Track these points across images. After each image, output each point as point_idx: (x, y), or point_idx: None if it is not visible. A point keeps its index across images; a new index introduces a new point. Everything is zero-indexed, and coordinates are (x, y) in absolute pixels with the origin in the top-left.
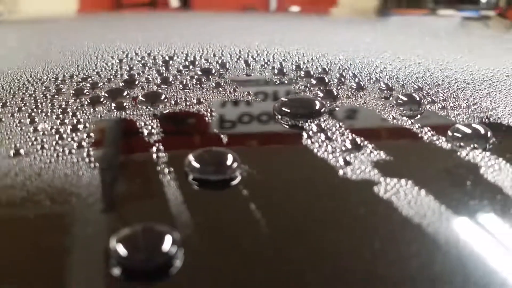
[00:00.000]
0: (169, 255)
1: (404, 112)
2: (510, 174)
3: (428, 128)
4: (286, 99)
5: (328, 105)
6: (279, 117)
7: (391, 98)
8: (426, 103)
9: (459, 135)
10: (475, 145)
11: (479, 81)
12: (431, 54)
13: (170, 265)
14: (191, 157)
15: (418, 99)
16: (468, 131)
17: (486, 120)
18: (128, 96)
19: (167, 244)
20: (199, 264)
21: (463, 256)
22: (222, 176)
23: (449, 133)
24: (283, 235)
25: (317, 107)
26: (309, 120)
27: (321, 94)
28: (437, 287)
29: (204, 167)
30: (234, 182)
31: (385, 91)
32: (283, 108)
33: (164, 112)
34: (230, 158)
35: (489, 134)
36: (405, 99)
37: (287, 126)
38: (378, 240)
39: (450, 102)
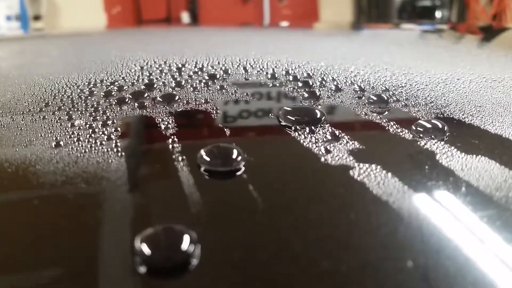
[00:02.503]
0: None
1: (374, 109)
2: (460, 160)
3: (394, 122)
4: (290, 108)
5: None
6: (284, 123)
7: (363, 98)
8: (392, 101)
9: (421, 129)
10: (434, 137)
11: (435, 83)
12: (396, 61)
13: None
14: (202, 152)
15: (385, 98)
16: (429, 125)
17: (441, 115)
18: (148, 97)
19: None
20: (212, 237)
21: (421, 226)
22: (228, 168)
23: (413, 127)
24: (277, 211)
25: (318, 116)
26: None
27: (306, 95)
28: (400, 251)
29: (213, 160)
30: (239, 173)
31: (359, 92)
32: (288, 117)
33: (178, 110)
34: (235, 153)
35: (445, 128)
36: (375, 98)
37: (279, 122)
38: (353, 213)
39: (411, 101)
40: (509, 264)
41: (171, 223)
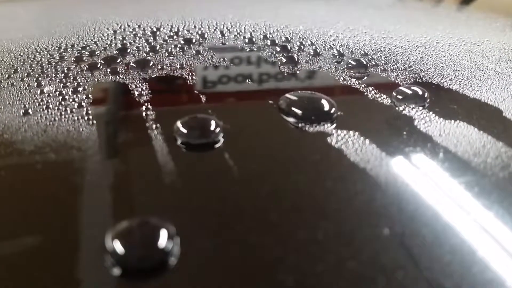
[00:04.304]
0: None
1: (353, 74)
2: (439, 126)
3: (372, 87)
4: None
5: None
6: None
7: (342, 62)
8: (371, 66)
9: (401, 96)
10: (415, 104)
11: (414, 47)
12: (375, 25)
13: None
14: (178, 124)
15: (364, 63)
16: (409, 92)
17: (419, 80)
18: (121, 63)
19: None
20: (191, 207)
21: (399, 193)
22: (206, 140)
23: (394, 93)
24: (254, 180)
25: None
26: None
27: (284, 60)
28: (377, 219)
29: (190, 132)
30: (217, 145)
31: (337, 57)
32: (292, 108)
33: (152, 76)
34: (213, 124)
35: (426, 94)
36: (353, 63)
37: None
38: (330, 181)
39: (390, 65)
40: (487, 229)
41: (144, 199)
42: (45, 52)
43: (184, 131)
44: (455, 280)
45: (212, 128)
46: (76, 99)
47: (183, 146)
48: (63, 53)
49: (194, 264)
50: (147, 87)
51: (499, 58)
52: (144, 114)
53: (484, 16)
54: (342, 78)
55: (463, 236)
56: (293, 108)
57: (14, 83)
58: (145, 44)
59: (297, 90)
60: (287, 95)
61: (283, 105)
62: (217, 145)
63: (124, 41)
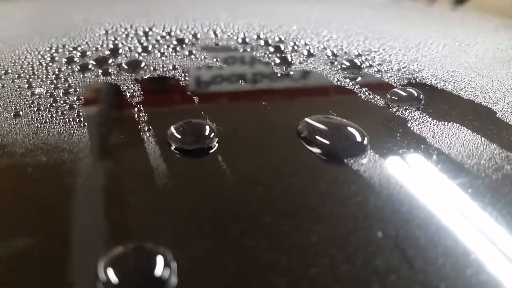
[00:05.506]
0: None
1: (347, 75)
2: (432, 127)
3: (366, 88)
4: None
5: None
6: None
7: (336, 63)
8: (364, 67)
9: (396, 98)
10: (409, 105)
11: (408, 47)
12: (369, 25)
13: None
14: (172, 129)
15: (358, 64)
16: (404, 94)
17: (413, 81)
18: (113, 63)
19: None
20: (185, 211)
21: (392, 194)
22: (200, 145)
23: (388, 95)
24: (248, 183)
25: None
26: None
27: (278, 61)
28: (371, 221)
29: (184, 138)
30: (212, 150)
31: (331, 57)
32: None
33: (144, 77)
34: (207, 129)
35: (421, 96)
36: (347, 64)
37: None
38: (323, 183)
39: (384, 66)
40: (481, 231)
41: (136, 202)
42: (36, 53)
43: (178, 136)
44: (449, 282)
45: (207, 133)
46: (68, 101)
47: (176, 151)
48: (54, 54)
49: (189, 267)
50: (139, 88)
51: (493, 59)
52: (136, 115)
53: (478, 16)
54: (336, 79)
55: (457, 238)
56: (317, 137)
57: (5, 85)
58: (137, 44)
59: (291, 90)
60: (308, 120)
61: (304, 134)
62: (211, 151)
63: (116, 42)
